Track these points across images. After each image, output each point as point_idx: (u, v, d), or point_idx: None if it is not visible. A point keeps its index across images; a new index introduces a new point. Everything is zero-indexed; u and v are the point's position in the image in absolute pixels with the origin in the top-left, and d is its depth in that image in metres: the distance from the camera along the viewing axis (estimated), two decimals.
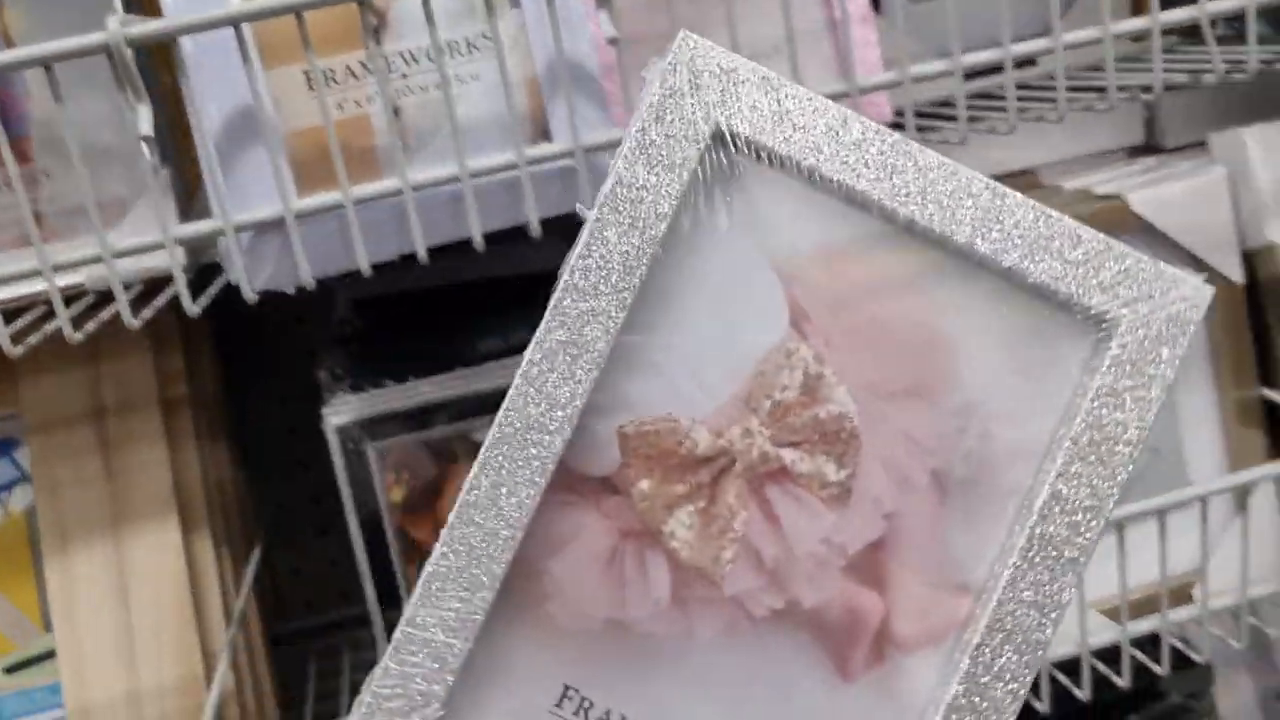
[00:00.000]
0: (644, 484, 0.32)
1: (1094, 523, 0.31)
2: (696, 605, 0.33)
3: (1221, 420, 0.61)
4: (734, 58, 0.31)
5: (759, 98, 0.31)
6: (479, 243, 0.46)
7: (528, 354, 0.32)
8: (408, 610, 0.32)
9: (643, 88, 0.32)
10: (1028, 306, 0.32)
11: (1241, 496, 0.59)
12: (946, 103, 0.58)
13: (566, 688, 0.33)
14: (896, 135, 0.32)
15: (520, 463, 0.31)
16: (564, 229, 0.82)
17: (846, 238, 0.32)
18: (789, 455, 0.32)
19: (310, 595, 0.82)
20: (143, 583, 0.59)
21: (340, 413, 0.56)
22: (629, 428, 0.32)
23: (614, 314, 0.31)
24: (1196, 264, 0.58)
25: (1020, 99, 0.52)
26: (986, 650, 0.32)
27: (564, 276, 0.32)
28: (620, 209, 0.31)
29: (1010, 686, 0.31)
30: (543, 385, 0.31)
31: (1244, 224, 0.59)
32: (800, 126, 0.31)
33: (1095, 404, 0.31)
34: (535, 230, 0.46)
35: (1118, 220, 0.58)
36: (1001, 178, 0.32)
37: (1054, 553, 0.31)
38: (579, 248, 0.31)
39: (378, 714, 0.32)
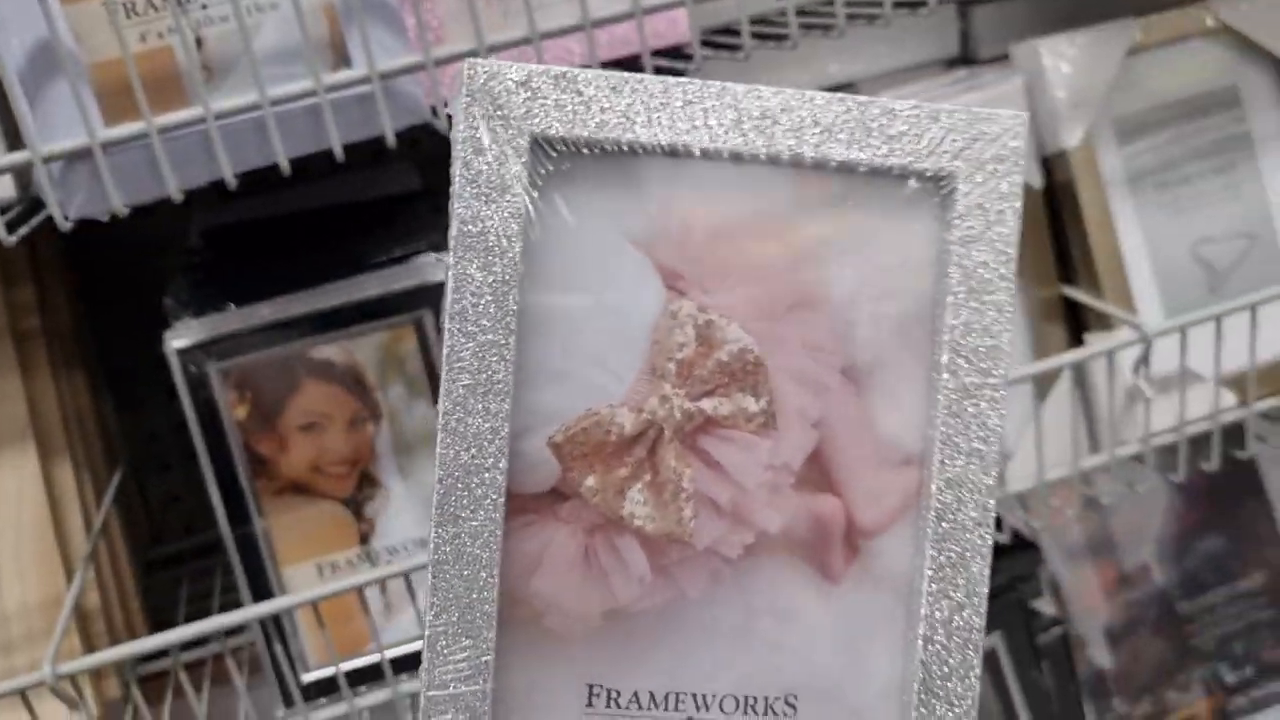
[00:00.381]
0: (590, 480, 0.34)
1: (998, 360, 0.34)
2: (677, 569, 0.34)
3: (1026, 318, 0.65)
4: (524, 68, 0.33)
5: (560, 96, 0.33)
6: (285, 168, 0.48)
7: (441, 407, 0.33)
8: (423, 676, 0.33)
9: (450, 122, 0.33)
10: (870, 191, 0.34)
11: (1044, 385, 0.64)
12: (763, 19, 0.60)
13: (590, 687, 0.35)
14: (694, 81, 0.33)
15: (473, 508, 0.33)
16: (392, 154, 0.83)
17: (685, 190, 0.34)
18: (708, 405, 0.34)
19: (186, 520, 0.84)
20: (1, 507, 0.60)
21: (181, 336, 0.58)
22: (558, 437, 0.34)
23: (505, 342, 0.33)
24: None
25: (848, 6, 0.55)
26: (945, 506, 0.34)
27: (446, 324, 0.32)
28: (473, 246, 0.32)
29: (978, 531, 0.34)
30: (465, 431, 0.33)
31: (1041, 131, 0.63)
32: (606, 108, 0.33)
33: (960, 253, 0.33)
34: (339, 155, 0.48)
35: None
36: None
37: (972, 398, 0.34)
38: (450, 293, 0.32)
39: None
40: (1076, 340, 0.65)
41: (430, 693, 0.33)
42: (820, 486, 0.34)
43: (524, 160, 0.32)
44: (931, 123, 0.33)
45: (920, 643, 0.34)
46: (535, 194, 0.33)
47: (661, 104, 0.33)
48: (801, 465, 0.34)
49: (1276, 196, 0.65)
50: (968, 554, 0.34)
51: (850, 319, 0.34)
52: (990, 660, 0.73)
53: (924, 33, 0.68)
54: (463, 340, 0.32)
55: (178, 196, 0.47)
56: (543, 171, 0.33)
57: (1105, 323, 0.62)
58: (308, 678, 0.61)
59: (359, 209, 0.74)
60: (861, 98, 0.34)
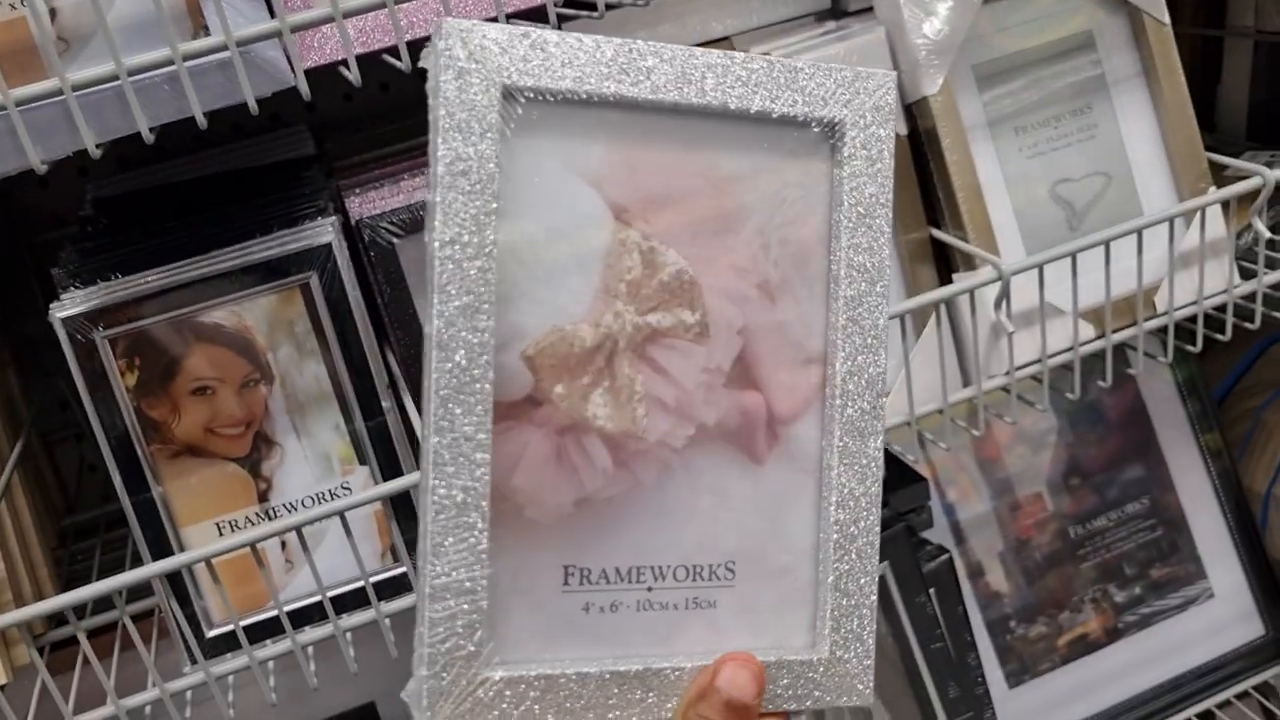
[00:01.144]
0: (559, 388, 0.39)
1: (881, 272, 0.41)
2: (633, 460, 0.40)
3: (899, 260, 0.68)
4: (495, 27, 0.37)
5: (529, 53, 0.37)
6: (148, 137, 0.49)
7: (435, 326, 0.37)
8: (424, 569, 0.37)
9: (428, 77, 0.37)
10: (780, 136, 0.41)
11: (921, 320, 0.67)
12: None
13: (566, 568, 0.40)
14: (638, 42, 0.39)
15: (465, 415, 0.37)
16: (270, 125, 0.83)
17: (631, 135, 0.39)
18: (653, 318, 0.40)
19: (102, 489, 0.85)
20: None
21: (66, 306, 0.59)
22: (530, 350, 0.39)
23: (489, 266, 0.37)
24: None
25: None
26: (846, 395, 0.41)
27: (436, 253, 0.37)
28: (457, 183, 0.37)
29: (873, 412, 0.41)
30: (457, 346, 0.37)
31: (903, 80, 0.65)
32: (566, 63, 0.38)
33: (850, 186, 0.41)
34: (201, 123, 0.49)
35: None
36: (700, 46, 0.39)
37: (863, 305, 0.41)
38: (438, 225, 0.36)
39: (439, 660, 0.37)
40: (947, 281, 0.68)
41: (434, 582, 0.37)
42: (745, 384, 0.41)
43: (497, 108, 0.37)
44: (826, 78, 0.41)
45: (832, 508, 0.41)
46: (507, 137, 0.38)
47: (614, 61, 0.38)
48: (730, 367, 0.41)
49: (1131, 136, 0.68)
50: (866, 432, 0.41)
51: (765, 243, 0.41)
52: (880, 589, 0.76)
53: None
54: (452, 266, 0.37)
55: (40, 168, 0.48)
56: (512, 116, 0.38)
57: (971, 263, 0.65)
58: (212, 634, 0.63)
59: (254, 174, 0.75)
60: (775, 59, 0.40)
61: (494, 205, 0.37)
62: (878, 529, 0.42)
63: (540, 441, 0.39)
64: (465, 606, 0.38)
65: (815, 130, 0.41)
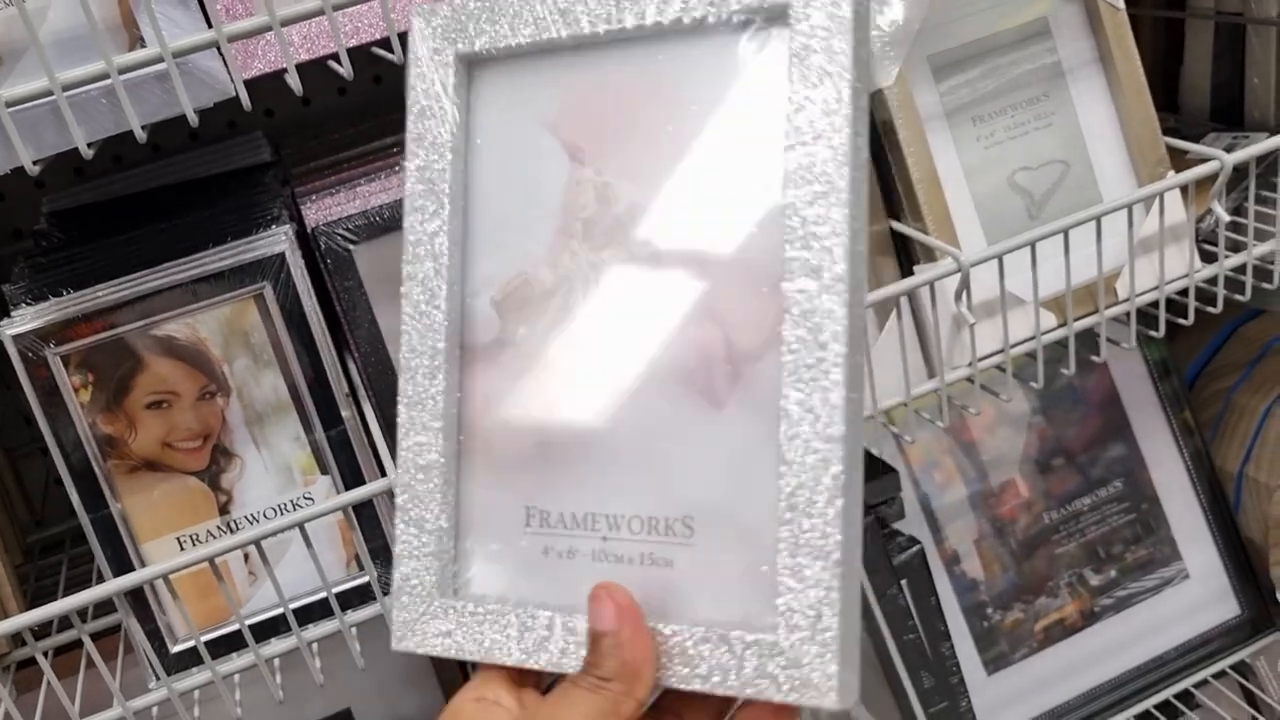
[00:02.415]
0: (521, 330, 0.41)
1: (834, 201, 0.35)
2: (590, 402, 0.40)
3: None
4: (457, 2, 0.41)
5: (482, 17, 0.41)
6: (85, 152, 0.48)
7: (405, 283, 0.42)
8: (400, 506, 0.41)
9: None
10: (726, 44, 0.38)
11: (883, 313, 0.66)
12: None
13: (528, 509, 0.41)
14: None
15: (432, 361, 0.41)
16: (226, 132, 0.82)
17: (580, 75, 0.40)
18: (607, 254, 0.40)
19: (67, 504, 0.84)
20: None
21: (16, 324, 0.58)
22: (498, 295, 0.41)
23: (455, 221, 0.41)
24: None
25: None
26: (799, 334, 0.36)
27: (406, 212, 0.40)
28: (422, 149, 0.41)
29: (827, 352, 0.35)
30: (428, 297, 0.41)
31: None
32: (516, 20, 0.40)
33: (798, 88, 0.36)
34: (140, 137, 0.48)
35: None
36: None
37: (817, 221, 0.35)
38: (408, 187, 0.41)
39: (405, 590, 0.40)
40: (909, 273, 0.68)
41: (404, 514, 0.41)
42: (704, 319, 0.39)
43: (455, 75, 0.41)
44: None
45: (782, 466, 0.36)
46: (468, 101, 0.41)
47: (556, 7, 0.39)
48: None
49: (1089, 123, 0.68)
50: (824, 374, 0.35)
51: (718, 164, 0.39)
52: None
53: None
54: (419, 221, 0.41)
55: None
56: (473, 80, 0.41)
57: (931, 255, 0.65)
58: (176, 648, 0.62)
59: (209, 184, 0.74)
60: None
61: (459, 158, 0.41)
62: (839, 500, 0.35)
63: (505, 382, 0.41)
64: (433, 544, 0.40)
65: (761, 25, 0.37)
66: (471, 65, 0.41)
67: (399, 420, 0.41)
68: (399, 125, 0.77)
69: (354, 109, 0.86)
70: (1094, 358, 0.67)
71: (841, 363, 0.36)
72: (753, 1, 0.37)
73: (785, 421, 0.36)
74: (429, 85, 0.41)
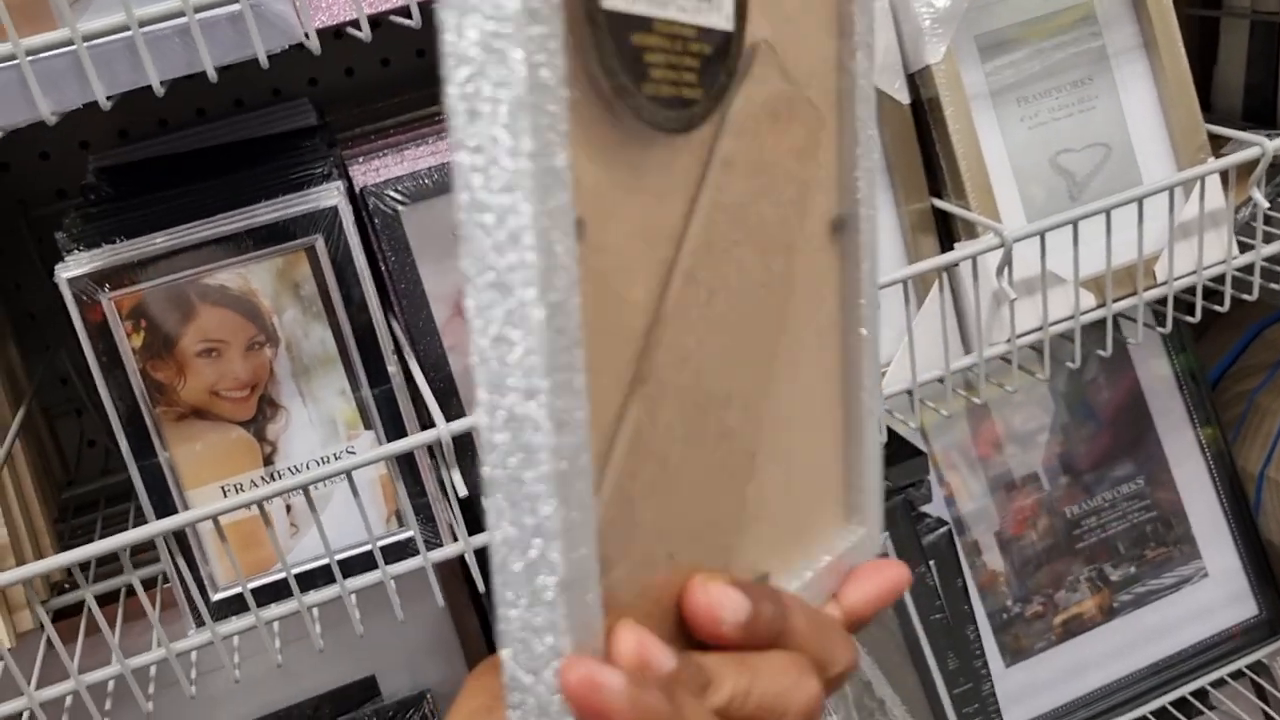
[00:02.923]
0: None
1: None
2: None
3: (901, 229, 0.68)
4: None
5: None
6: (158, 89, 0.49)
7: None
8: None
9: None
10: None
11: (923, 288, 0.67)
12: None
13: None
14: None
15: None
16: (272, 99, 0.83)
17: None
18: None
19: (102, 464, 0.85)
20: None
21: (72, 267, 0.59)
22: None
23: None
24: None
25: None
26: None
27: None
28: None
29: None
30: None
31: (906, 49, 0.65)
32: None
33: None
34: (212, 76, 0.49)
35: None
36: None
37: None
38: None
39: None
40: (949, 250, 0.68)
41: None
42: None
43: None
44: None
45: None
46: None
47: None
48: None
49: (1131, 108, 0.69)
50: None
51: None
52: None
53: None
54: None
55: (50, 119, 0.48)
56: None
57: (973, 231, 0.66)
58: (217, 597, 0.63)
59: (256, 145, 0.75)
60: None
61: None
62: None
63: None
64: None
65: None
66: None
67: None
68: (441, 98, 0.79)
69: (396, 81, 0.87)
70: (1128, 340, 0.68)
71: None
72: None
73: None
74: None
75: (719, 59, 0.33)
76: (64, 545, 0.76)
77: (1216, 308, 0.70)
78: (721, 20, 0.33)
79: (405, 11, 0.54)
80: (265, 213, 0.61)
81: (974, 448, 0.90)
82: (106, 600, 0.71)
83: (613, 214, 0.32)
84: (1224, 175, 0.67)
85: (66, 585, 0.69)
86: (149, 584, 0.69)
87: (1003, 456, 0.91)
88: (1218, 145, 0.70)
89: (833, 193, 0.38)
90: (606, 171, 0.31)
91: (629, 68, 0.31)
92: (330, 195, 0.62)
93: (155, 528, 0.56)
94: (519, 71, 0.27)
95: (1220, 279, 0.69)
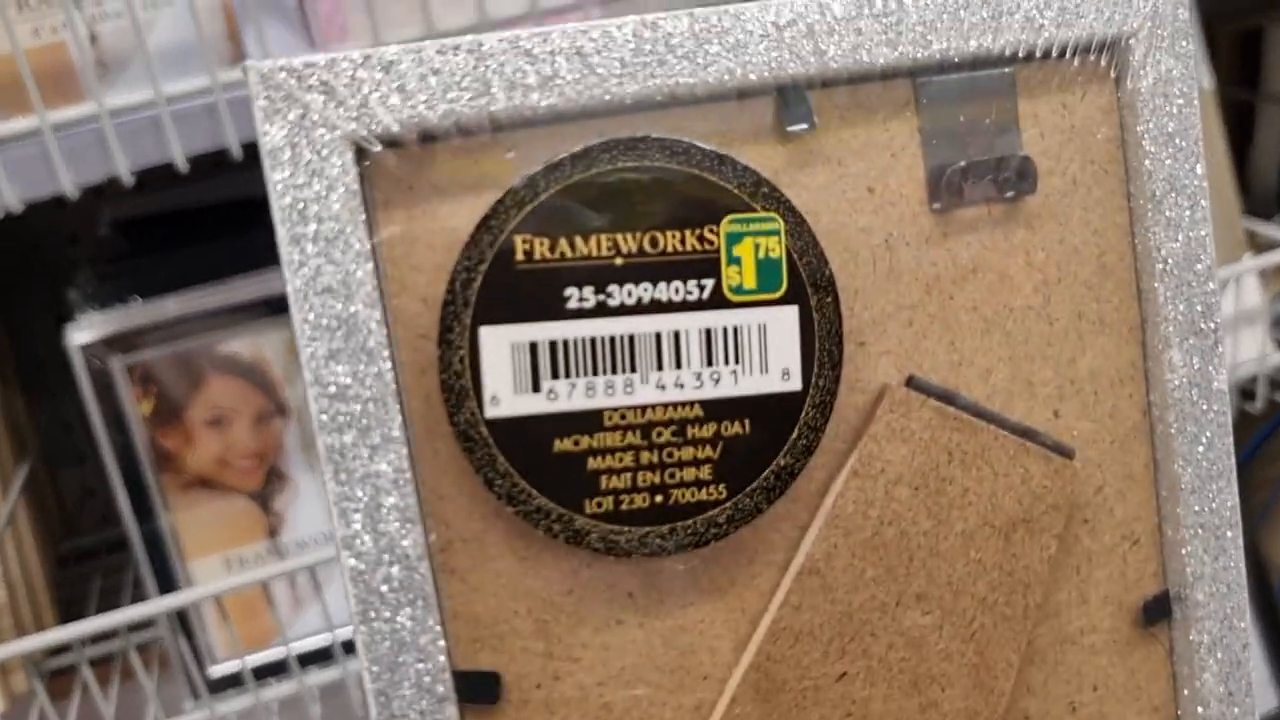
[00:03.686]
0: None
1: None
2: None
3: None
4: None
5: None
6: (181, 165, 0.48)
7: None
8: None
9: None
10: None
11: None
12: None
13: None
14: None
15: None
16: None
17: None
18: None
19: (101, 513, 0.84)
20: None
21: (84, 331, 0.58)
22: None
23: None
24: None
25: None
26: None
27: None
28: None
29: None
30: None
31: None
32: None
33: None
34: (236, 153, 0.48)
35: None
36: None
37: None
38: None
39: None
40: None
41: None
42: None
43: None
44: None
45: None
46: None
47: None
48: None
49: None
50: None
51: None
52: None
53: None
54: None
55: (73, 194, 0.47)
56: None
57: None
58: (215, 671, 0.61)
59: (259, 203, 0.74)
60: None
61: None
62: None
63: None
64: None
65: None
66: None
67: None
68: None
69: None
70: None
71: None
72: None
73: None
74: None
75: (770, 437, 0.28)
76: (63, 597, 0.74)
77: (1248, 406, 0.68)
78: (773, 383, 0.28)
79: None
80: (279, 281, 0.60)
81: None
82: (105, 657, 0.70)
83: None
84: (1260, 271, 0.65)
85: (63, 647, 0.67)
86: (147, 644, 0.68)
87: None
88: (1253, 236, 0.69)
89: (1147, 562, 0.32)
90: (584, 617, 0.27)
91: (554, 485, 0.27)
92: None
93: (155, 606, 0.54)
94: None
95: (1253, 378, 0.67)
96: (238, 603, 0.60)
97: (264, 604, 0.60)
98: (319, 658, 0.61)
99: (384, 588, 0.27)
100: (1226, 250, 0.67)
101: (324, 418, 0.27)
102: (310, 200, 0.27)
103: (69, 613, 0.71)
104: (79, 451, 0.84)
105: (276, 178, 0.28)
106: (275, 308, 0.59)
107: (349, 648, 0.60)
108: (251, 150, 0.49)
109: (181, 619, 0.60)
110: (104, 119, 0.46)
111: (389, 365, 0.27)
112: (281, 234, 0.27)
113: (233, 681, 0.61)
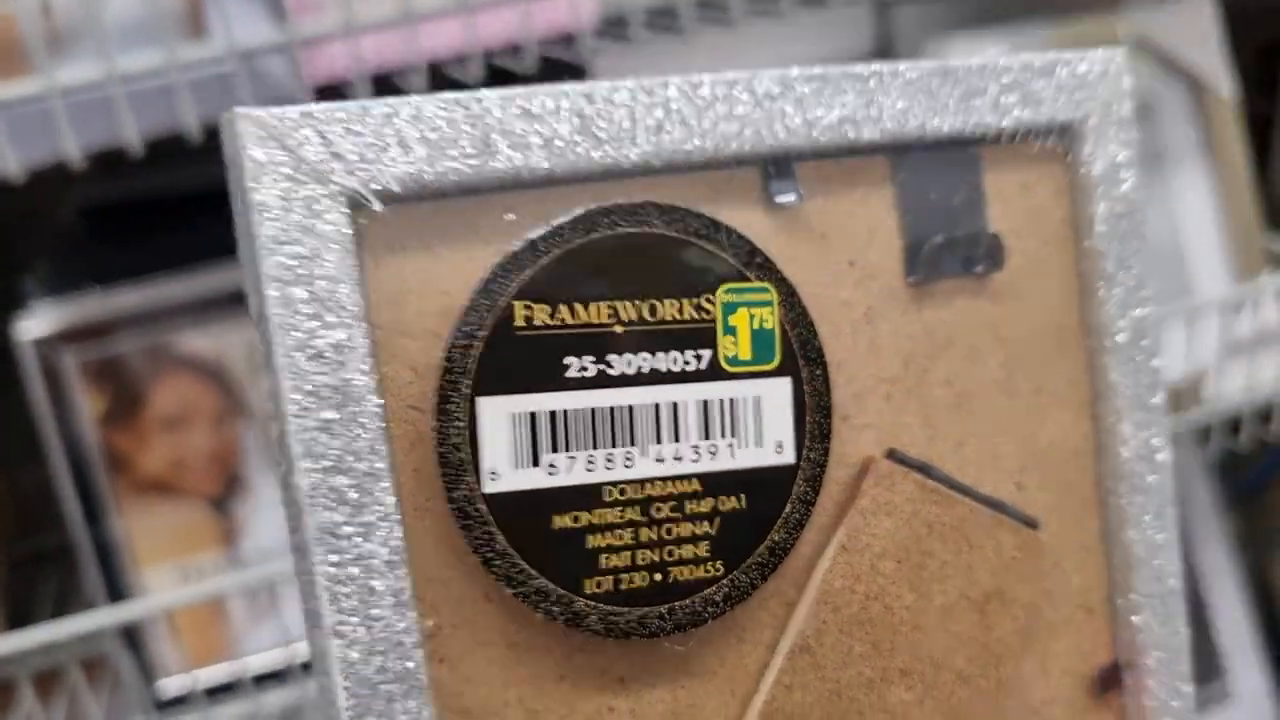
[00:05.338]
0: None
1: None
2: None
3: None
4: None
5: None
6: (135, 147, 0.44)
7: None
8: None
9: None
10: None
11: None
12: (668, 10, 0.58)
13: None
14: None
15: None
16: None
17: None
18: None
19: (59, 512, 0.80)
20: None
21: (35, 322, 0.54)
22: None
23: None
24: None
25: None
26: None
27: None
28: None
29: None
30: None
31: None
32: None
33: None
34: (194, 136, 0.45)
35: None
36: None
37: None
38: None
39: None
40: None
41: None
42: None
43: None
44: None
45: None
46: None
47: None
48: None
49: (1184, 213, 0.64)
50: None
51: None
52: None
53: (840, 29, 0.66)
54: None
55: (19, 177, 0.44)
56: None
57: None
58: (165, 691, 0.58)
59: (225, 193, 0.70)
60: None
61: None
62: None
63: None
64: None
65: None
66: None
67: None
68: None
69: None
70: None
71: None
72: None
73: None
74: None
75: (764, 511, 0.27)
76: (14, 599, 0.71)
77: (1266, 434, 0.65)
78: (767, 456, 0.27)
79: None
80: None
81: None
82: (49, 671, 0.67)
83: None
84: None
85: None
86: (95, 660, 0.64)
87: None
88: (1275, 253, 0.66)
89: (1100, 632, 0.32)
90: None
91: (553, 565, 0.25)
92: None
93: (102, 618, 0.51)
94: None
95: (1270, 403, 0.64)
96: (190, 616, 0.57)
97: (218, 617, 0.56)
98: (276, 677, 0.57)
99: (378, 679, 0.24)
100: (1244, 266, 0.64)
101: (313, 494, 0.24)
102: (302, 259, 0.25)
103: (19, 619, 0.68)
104: (34, 448, 0.81)
105: (265, 234, 0.25)
106: (240, 304, 0.56)
107: (308, 668, 0.57)
108: (211, 134, 0.45)
109: (130, 632, 0.57)
110: (54, 97, 0.42)
111: (383, 437, 0.25)
112: (271, 295, 0.24)
113: (183, 700, 0.57)
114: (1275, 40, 0.82)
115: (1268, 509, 0.91)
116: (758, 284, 0.28)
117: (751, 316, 0.27)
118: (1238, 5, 0.66)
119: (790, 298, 0.28)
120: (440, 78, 0.51)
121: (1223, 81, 0.64)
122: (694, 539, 0.26)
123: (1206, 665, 0.88)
